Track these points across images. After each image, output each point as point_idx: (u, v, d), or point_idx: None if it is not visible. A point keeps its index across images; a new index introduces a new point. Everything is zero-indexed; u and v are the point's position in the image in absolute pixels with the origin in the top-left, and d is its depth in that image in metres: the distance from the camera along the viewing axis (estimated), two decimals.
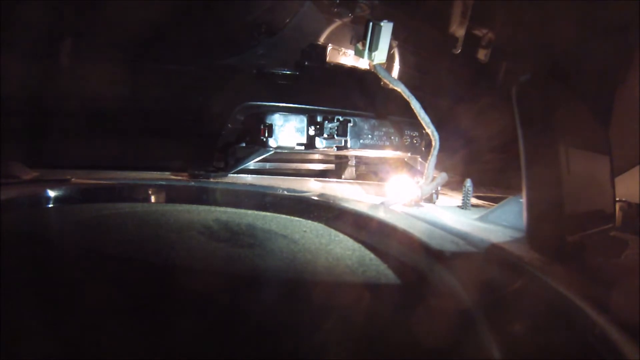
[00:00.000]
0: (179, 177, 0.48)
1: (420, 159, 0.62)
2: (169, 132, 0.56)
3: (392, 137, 0.61)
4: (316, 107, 0.57)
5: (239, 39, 0.60)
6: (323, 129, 0.56)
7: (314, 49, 0.61)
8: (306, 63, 0.60)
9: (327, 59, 0.62)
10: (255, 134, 0.54)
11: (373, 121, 0.59)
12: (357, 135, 0.58)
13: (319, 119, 0.56)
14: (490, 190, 0.66)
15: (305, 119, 0.55)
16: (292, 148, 0.55)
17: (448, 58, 0.74)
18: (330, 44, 0.65)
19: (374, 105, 0.60)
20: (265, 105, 0.55)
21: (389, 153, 0.62)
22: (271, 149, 0.54)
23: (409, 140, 0.62)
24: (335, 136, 0.56)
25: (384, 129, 0.60)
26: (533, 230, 0.32)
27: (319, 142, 0.56)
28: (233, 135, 0.55)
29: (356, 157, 0.72)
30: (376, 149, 0.60)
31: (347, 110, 0.58)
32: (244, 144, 0.54)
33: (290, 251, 0.32)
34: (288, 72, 0.59)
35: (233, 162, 0.55)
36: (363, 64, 0.67)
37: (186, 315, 0.23)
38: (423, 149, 0.63)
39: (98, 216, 0.37)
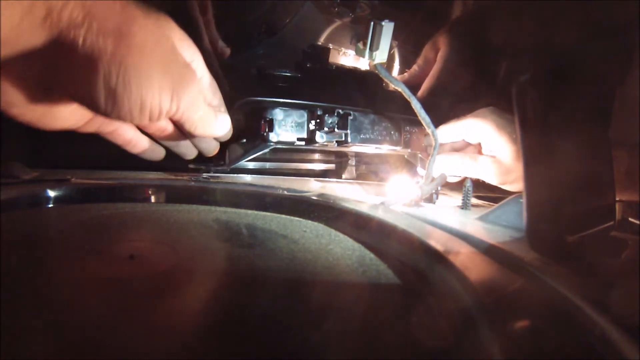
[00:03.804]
0: (179, 177, 0.48)
1: (420, 155, 0.62)
2: None
3: (392, 132, 0.61)
4: (316, 103, 0.56)
5: (239, 39, 0.60)
6: (323, 123, 0.55)
7: (315, 50, 0.61)
8: (308, 65, 0.60)
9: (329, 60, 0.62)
10: (255, 129, 0.53)
11: (372, 116, 0.59)
12: (357, 130, 0.57)
13: (319, 112, 0.55)
14: (490, 190, 0.66)
15: (305, 114, 0.55)
16: (293, 143, 0.55)
17: None
18: (330, 44, 0.65)
19: (375, 104, 0.60)
20: (266, 100, 0.54)
21: (389, 148, 0.62)
22: (272, 143, 0.53)
23: (408, 136, 0.62)
24: (336, 129, 0.55)
25: (383, 124, 0.60)
26: (533, 230, 0.32)
27: (319, 137, 0.55)
28: (233, 130, 0.55)
29: (356, 156, 0.72)
30: (376, 143, 0.59)
31: (347, 107, 0.57)
32: (244, 140, 0.53)
33: (290, 251, 0.32)
34: (289, 74, 0.58)
35: (233, 157, 0.54)
36: (363, 63, 0.67)
37: (185, 315, 0.23)
38: (423, 144, 0.63)
39: (98, 216, 0.37)
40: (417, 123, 0.61)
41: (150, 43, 0.31)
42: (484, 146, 0.58)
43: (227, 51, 0.56)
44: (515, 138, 0.55)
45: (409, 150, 0.63)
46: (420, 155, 0.61)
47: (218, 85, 0.42)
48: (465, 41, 0.67)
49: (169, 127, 0.39)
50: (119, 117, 0.31)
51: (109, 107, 0.30)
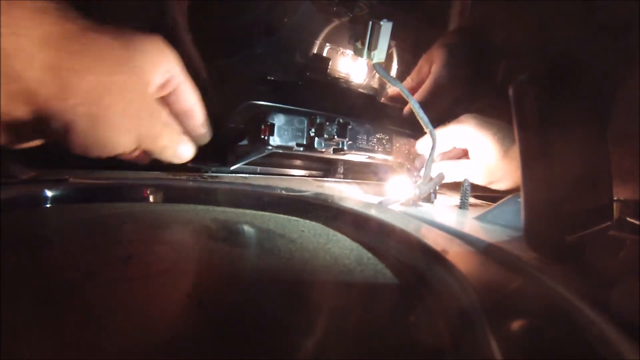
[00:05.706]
0: (178, 177, 0.48)
1: (407, 165, 0.64)
2: None
3: (384, 143, 0.63)
4: (317, 112, 0.57)
5: (237, 39, 0.60)
6: (323, 131, 0.56)
7: (316, 58, 0.62)
8: (307, 74, 0.60)
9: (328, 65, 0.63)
10: (255, 132, 0.54)
11: (368, 127, 0.61)
12: (354, 139, 0.59)
13: (319, 120, 0.56)
14: (488, 190, 0.66)
15: (305, 121, 0.56)
16: (292, 148, 0.55)
17: None
18: (328, 44, 0.65)
19: (367, 115, 0.62)
20: (267, 105, 0.55)
21: (379, 157, 0.64)
22: (271, 147, 0.53)
23: (397, 146, 0.64)
24: (335, 136, 0.56)
25: (377, 135, 0.62)
26: (531, 230, 0.32)
27: (318, 143, 0.56)
28: (233, 133, 0.56)
29: (344, 164, 0.73)
30: (369, 152, 0.62)
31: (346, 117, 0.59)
32: (244, 142, 0.54)
33: (288, 250, 0.32)
34: (289, 81, 0.59)
35: (233, 159, 0.55)
36: (362, 64, 0.67)
37: (183, 315, 0.23)
38: (411, 156, 0.65)
39: (97, 216, 0.36)
40: (406, 135, 0.64)
41: (122, 99, 0.33)
42: (470, 150, 0.60)
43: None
44: (497, 138, 0.57)
45: (398, 160, 0.65)
46: (407, 165, 0.63)
47: (205, 93, 0.43)
48: (459, 56, 0.68)
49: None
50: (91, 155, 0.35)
51: (82, 152, 0.34)
